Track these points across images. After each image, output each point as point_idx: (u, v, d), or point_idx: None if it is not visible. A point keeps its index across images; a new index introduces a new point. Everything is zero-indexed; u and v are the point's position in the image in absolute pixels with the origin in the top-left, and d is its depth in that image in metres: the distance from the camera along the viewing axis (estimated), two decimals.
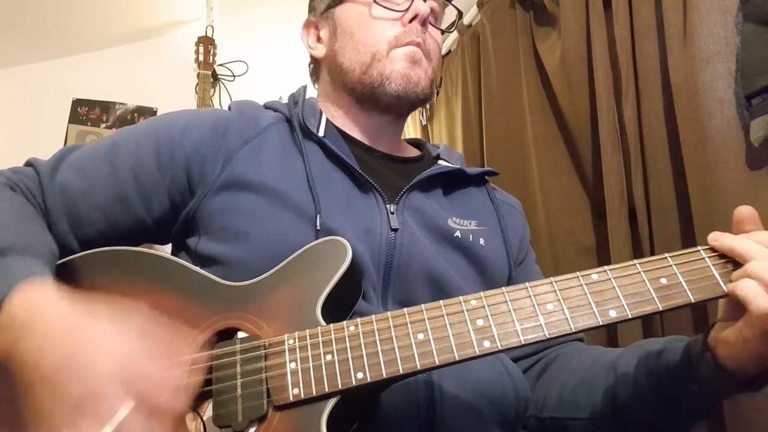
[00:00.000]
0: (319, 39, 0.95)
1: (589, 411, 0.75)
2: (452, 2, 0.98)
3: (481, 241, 0.85)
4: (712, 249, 0.59)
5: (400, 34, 0.86)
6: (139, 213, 0.78)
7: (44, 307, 0.55)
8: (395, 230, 0.78)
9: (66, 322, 0.54)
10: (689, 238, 1.18)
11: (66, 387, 0.49)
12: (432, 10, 0.89)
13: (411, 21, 0.86)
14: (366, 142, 0.91)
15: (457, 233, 0.83)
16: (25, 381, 0.51)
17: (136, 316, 0.55)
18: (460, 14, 1.05)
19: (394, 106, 0.88)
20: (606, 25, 1.43)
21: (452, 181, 0.91)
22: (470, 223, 0.86)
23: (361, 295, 0.71)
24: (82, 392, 0.49)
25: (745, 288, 0.54)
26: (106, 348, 0.52)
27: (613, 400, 0.72)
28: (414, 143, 1.03)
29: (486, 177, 0.97)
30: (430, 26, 0.90)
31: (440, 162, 0.95)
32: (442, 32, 0.97)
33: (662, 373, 0.66)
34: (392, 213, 0.79)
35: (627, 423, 0.72)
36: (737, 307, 0.56)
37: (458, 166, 0.91)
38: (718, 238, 0.59)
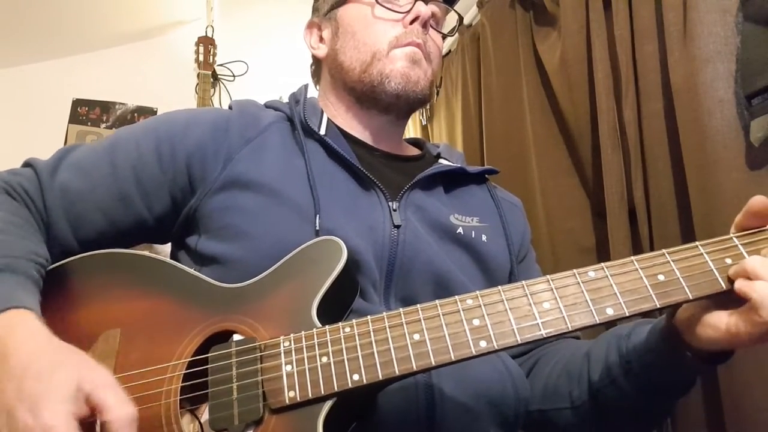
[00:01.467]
0: (321, 39, 0.96)
1: (568, 400, 0.76)
2: (453, 6, 0.98)
3: (483, 238, 0.85)
4: (710, 244, 0.58)
5: (401, 34, 0.86)
6: (139, 211, 0.78)
7: (16, 334, 0.55)
8: (398, 227, 0.78)
9: (35, 345, 0.55)
10: (689, 238, 1.18)
11: (22, 383, 0.51)
12: (433, 14, 0.90)
13: (412, 22, 0.87)
14: (367, 141, 0.91)
15: (460, 230, 0.84)
16: None
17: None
18: (461, 19, 1.05)
19: (393, 106, 0.88)
20: (606, 25, 1.43)
21: (453, 180, 0.91)
22: (472, 220, 0.86)
23: (357, 294, 0.70)
24: (36, 390, 0.50)
25: (761, 291, 0.53)
26: (68, 366, 0.53)
27: (588, 385, 0.73)
28: (414, 143, 1.03)
29: (486, 175, 0.97)
30: (431, 29, 0.90)
31: (441, 161, 0.95)
32: (443, 36, 0.97)
33: (631, 354, 0.68)
34: (394, 210, 0.79)
35: (605, 408, 0.73)
36: (735, 300, 0.55)
37: (459, 165, 0.91)
38: None
